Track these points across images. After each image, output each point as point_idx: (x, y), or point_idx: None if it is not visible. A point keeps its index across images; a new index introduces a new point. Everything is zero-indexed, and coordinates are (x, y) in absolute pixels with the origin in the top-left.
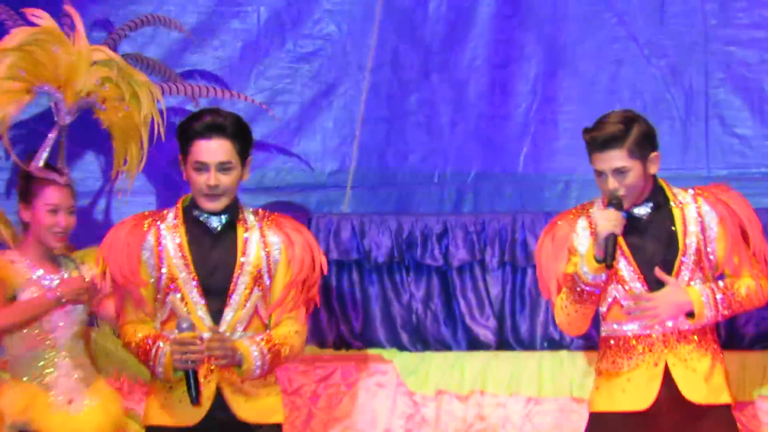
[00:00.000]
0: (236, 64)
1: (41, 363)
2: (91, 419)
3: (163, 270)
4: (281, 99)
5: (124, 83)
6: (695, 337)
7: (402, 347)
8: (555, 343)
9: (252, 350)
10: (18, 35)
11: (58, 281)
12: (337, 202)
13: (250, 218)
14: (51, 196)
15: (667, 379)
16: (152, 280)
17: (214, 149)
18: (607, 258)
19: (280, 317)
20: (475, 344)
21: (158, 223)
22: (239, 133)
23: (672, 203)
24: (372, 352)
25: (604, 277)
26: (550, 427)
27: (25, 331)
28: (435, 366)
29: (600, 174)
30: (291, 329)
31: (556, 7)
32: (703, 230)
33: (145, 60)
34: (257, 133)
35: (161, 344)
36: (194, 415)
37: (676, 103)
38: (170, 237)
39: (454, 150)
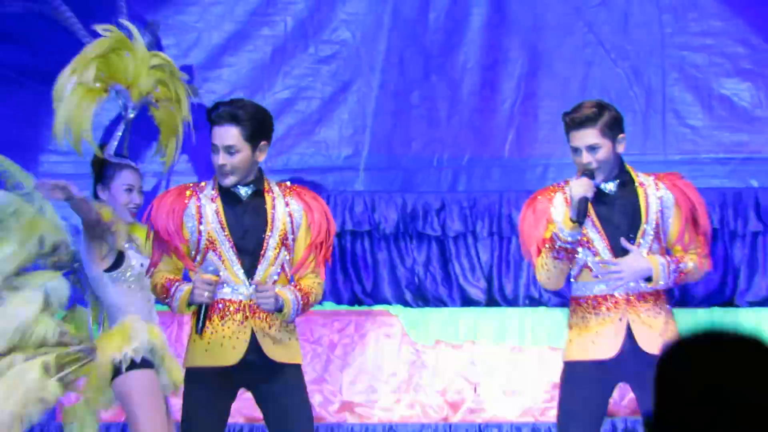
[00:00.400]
0: (267, 65)
1: (150, 312)
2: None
3: (203, 233)
4: (305, 95)
5: (173, 85)
6: (652, 298)
7: (406, 304)
8: (535, 301)
9: (290, 297)
10: (100, 45)
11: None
12: (351, 181)
13: (276, 189)
14: (127, 177)
15: (629, 333)
16: (191, 238)
17: (221, 134)
18: (579, 216)
19: (303, 274)
20: (467, 301)
21: (198, 192)
22: (247, 121)
23: (636, 183)
24: (380, 308)
25: (578, 235)
26: (530, 372)
27: (136, 287)
28: (434, 320)
29: (576, 150)
30: (315, 281)
31: (536, 18)
32: (661, 207)
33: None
34: (284, 123)
35: (180, 284)
36: (232, 357)
37: (637, 99)
38: (208, 205)
39: (450, 138)
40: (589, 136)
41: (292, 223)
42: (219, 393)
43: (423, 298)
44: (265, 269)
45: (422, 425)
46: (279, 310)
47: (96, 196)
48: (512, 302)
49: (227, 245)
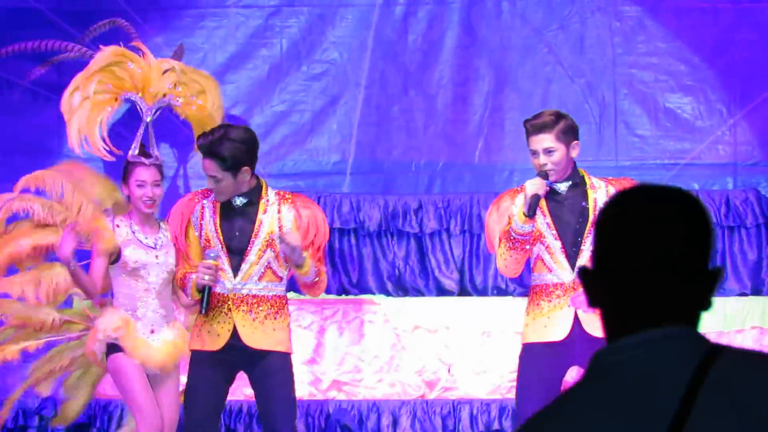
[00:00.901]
0: (264, 82)
1: (137, 300)
2: (163, 348)
3: (203, 233)
4: (298, 108)
5: (190, 82)
6: None
7: (388, 293)
8: (502, 291)
9: (309, 260)
10: (99, 59)
11: (151, 238)
12: (339, 185)
13: (272, 197)
14: (139, 174)
15: (577, 319)
16: (197, 240)
17: (205, 165)
18: (530, 211)
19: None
20: (442, 291)
21: (203, 199)
22: (225, 155)
23: (587, 185)
24: (365, 297)
25: (530, 228)
26: (498, 354)
27: (131, 278)
28: (412, 308)
29: (534, 153)
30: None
31: (502, 39)
32: None
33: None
34: (280, 133)
35: (191, 274)
36: (217, 343)
37: (592, 112)
38: (209, 210)
39: (427, 146)
40: (545, 140)
41: (280, 228)
42: (215, 373)
43: (403, 289)
44: (247, 268)
45: (402, 402)
46: (299, 264)
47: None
48: (482, 292)
49: (219, 245)
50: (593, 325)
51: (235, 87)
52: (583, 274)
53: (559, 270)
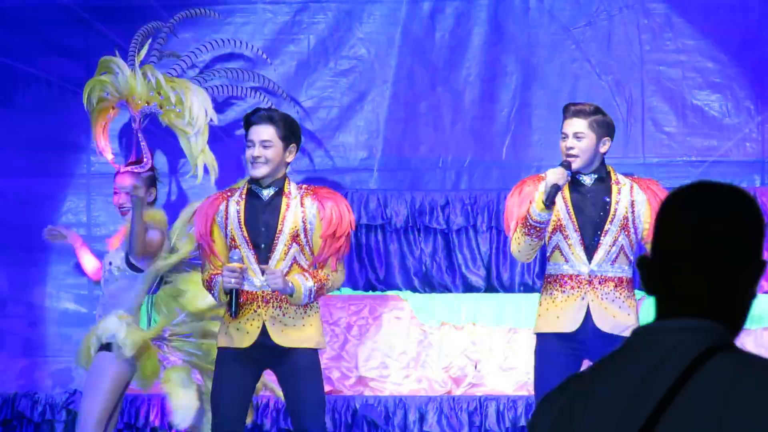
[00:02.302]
0: (292, 78)
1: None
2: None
3: (228, 231)
4: (325, 104)
5: (168, 91)
6: (613, 283)
7: (414, 290)
8: (529, 287)
9: (300, 282)
10: (98, 68)
11: None
12: (366, 181)
13: (294, 190)
14: (117, 181)
15: (589, 313)
16: (222, 239)
17: (259, 131)
18: (548, 200)
19: (322, 263)
20: (469, 288)
21: (228, 197)
22: (281, 122)
23: (612, 181)
24: (392, 293)
25: (547, 216)
26: (524, 350)
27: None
28: (439, 304)
29: (564, 137)
30: (330, 270)
31: (529, 36)
32: (632, 204)
33: (229, 70)
34: (308, 129)
35: (218, 277)
36: (246, 341)
37: (619, 109)
38: (234, 207)
39: (454, 142)
40: (578, 124)
41: (304, 220)
42: (242, 371)
43: (429, 285)
44: (274, 264)
45: (429, 398)
46: (290, 293)
47: None
48: (509, 288)
49: (244, 242)
50: (604, 320)
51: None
52: (640, 262)
53: (575, 261)
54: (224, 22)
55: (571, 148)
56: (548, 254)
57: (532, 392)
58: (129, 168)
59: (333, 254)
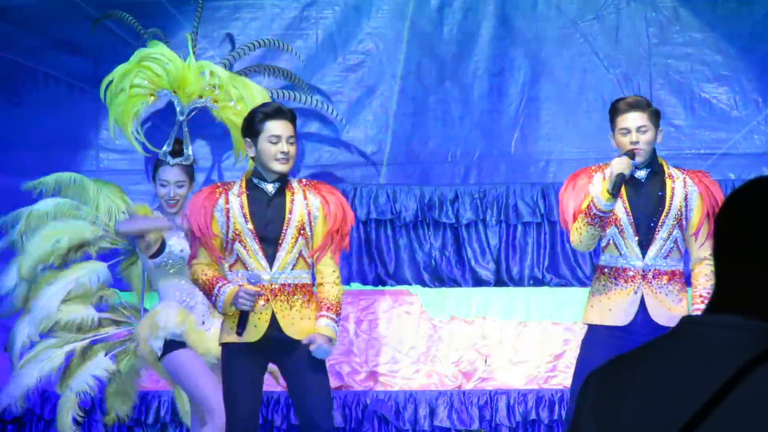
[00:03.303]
0: (300, 73)
1: (184, 293)
2: (214, 337)
3: (230, 225)
4: (334, 99)
5: (231, 88)
6: (666, 276)
7: (424, 284)
8: (538, 281)
9: (331, 327)
10: (136, 56)
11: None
12: (375, 176)
13: (295, 185)
14: (163, 173)
15: (643, 306)
16: (222, 233)
17: (284, 126)
18: (614, 189)
19: (321, 258)
20: (478, 282)
21: (227, 190)
22: (295, 119)
23: (666, 174)
24: (401, 288)
25: (611, 206)
26: (534, 344)
27: (175, 276)
28: (449, 298)
29: (625, 131)
30: (334, 283)
31: (537, 30)
32: (686, 198)
33: (271, 68)
34: (317, 124)
35: (222, 286)
36: (255, 334)
37: None
38: (235, 201)
39: (463, 137)
40: (640, 118)
41: (309, 214)
42: (251, 365)
43: (439, 279)
44: (283, 256)
45: (439, 392)
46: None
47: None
48: (518, 282)
49: (251, 236)
50: (659, 313)
51: (271, 78)
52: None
53: (630, 255)
54: (232, 17)
55: (637, 142)
56: (603, 246)
57: (542, 386)
58: (177, 161)
59: (337, 250)
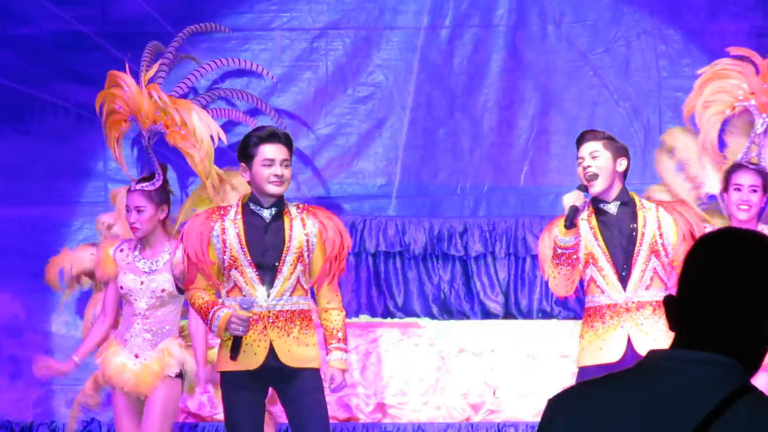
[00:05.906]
0: (310, 105)
1: (129, 325)
2: (140, 371)
3: (227, 253)
4: (344, 131)
5: (173, 112)
6: (651, 307)
7: (433, 317)
8: (547, 314)
9: (343, 359)
10: (107, 80)
11: (148, 262)
12: (384, 208)
13: (293, 210)
14: (128, 199)
15: (630, 341)
16: (218, 260)
17: (278, 150)
18: (567, 222)
19: (321, 284)
20: (487, 314)
21: (223, 216)
22: (291, 143)
23: (637, 206)
24: (410, 320)
25: (572, 240)
26: (543, 377)
27: (126, 304)
28: (457, 331)
29: (580, 160)
30: (339, 309)
31: (547, 63)
32: (659, 227)
33: (232, 92)
34: (326, 156)
35: (216, 310)
36: (254, 362)
37: (637, 135)
38: (231, 227)
39: (472, 169)
40: (592, 146)
41: (307, 240)
42: (251, 393)
43: (448, 312)
44: (281, 283)
45: (447, 425)
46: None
47: None
48: (527, 315)
49: (247, 263)
50: (645, 346)
51: (281, 110)
52: (667, 301)
53: (610, 290)
54: (241, 48)
55: (589, 167)
56: (585, 287)
57: None
58: (140, 186)
59: (336, 276)
